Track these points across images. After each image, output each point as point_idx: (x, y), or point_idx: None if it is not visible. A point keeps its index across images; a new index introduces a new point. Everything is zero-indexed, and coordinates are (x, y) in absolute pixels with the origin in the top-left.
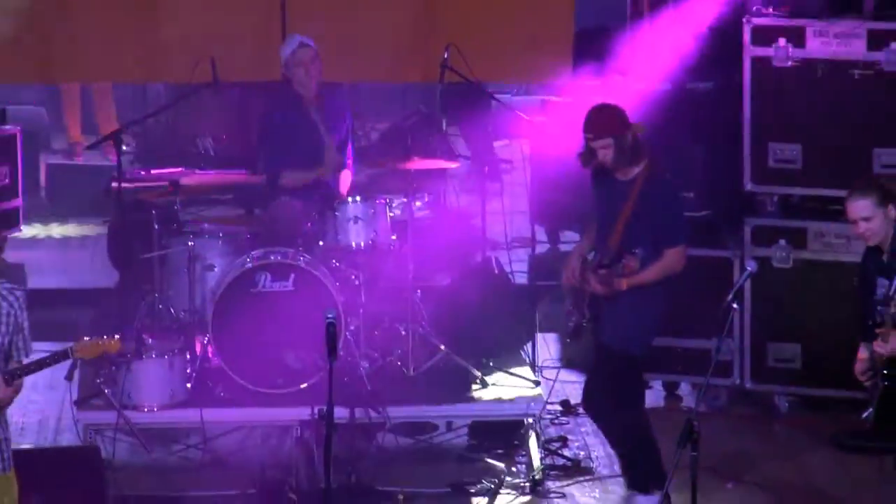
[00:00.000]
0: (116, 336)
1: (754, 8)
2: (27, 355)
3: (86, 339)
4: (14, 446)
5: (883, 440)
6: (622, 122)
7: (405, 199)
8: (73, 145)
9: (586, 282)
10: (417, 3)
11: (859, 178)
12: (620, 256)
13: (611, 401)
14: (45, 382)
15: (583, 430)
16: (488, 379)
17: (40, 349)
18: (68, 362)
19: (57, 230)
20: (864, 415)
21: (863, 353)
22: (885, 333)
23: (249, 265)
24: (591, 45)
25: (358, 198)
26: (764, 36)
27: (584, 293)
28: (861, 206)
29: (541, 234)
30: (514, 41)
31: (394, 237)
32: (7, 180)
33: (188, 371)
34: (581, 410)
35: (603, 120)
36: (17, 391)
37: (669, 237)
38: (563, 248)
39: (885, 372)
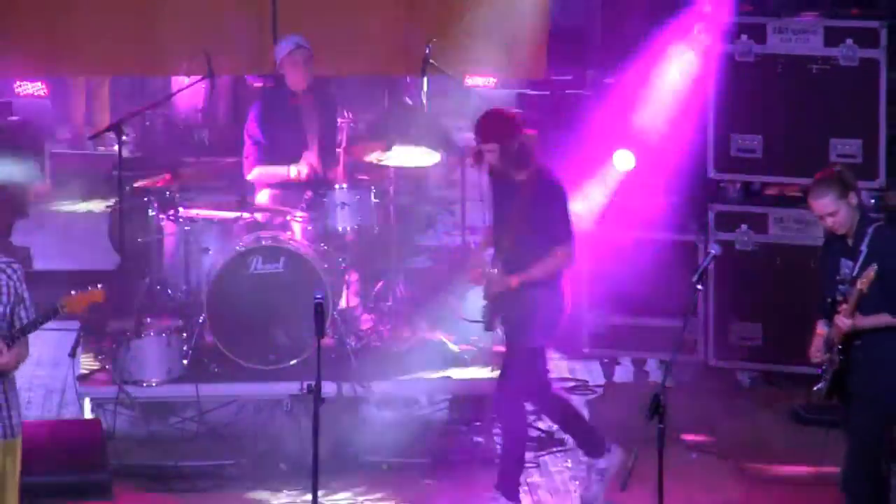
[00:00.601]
0: (99, 285)
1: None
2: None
3: (72, 292)
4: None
5: (836, 413)
6: (510, 130)
7: (389, 187)
8: (76, 135)
9: (484, 277)
10: (402, 1)
11: (817, 175)
12: (514, 254)
13: (517, 394)
14: (50, 359)
15: None
16: (467, 356)
17: (45, 328)
18: (72, 337)
19: (61, 215)
20: (816, 388)
21: (821, 329)
22: (849, 310)
23: (242, 249)
24: (565, 44)
25: (344, 185)
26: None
27: (487, 284)
28: (824, 204)
29: None
30: (492, 39)
31: (377, 223)
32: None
33: (184, 348)
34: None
35: (490, 126)
36: (19, 357)
37: (557, 237)
38: None
39: (840, 347)
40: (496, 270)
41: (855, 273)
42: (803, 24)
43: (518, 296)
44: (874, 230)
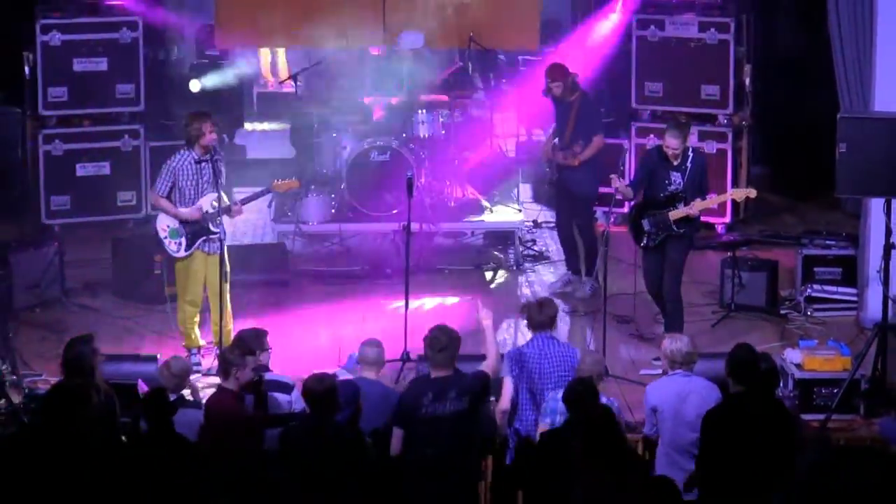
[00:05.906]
0: (294, 178)
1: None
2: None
3: (278, 181)
4: (238, 242)
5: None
6: (566, 73)
7: (449, 111)
8: (270, 81)
9: (555, 156)
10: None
11: (670, 122)
12: (571, 145)
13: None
14: (257, 208)
15: (545, 235)
16: (494, 207)
17: (252, 189)
18: (269, 196)
19: (262, 127)
20: (642, 244)
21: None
22: (693, 205)
23: (365, 147)
24: (551, 28)
25: (423, 110)
26: (643, 24)
27: (554, 161)
28: (674, 144)
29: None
30: (504, 25)
31: (443, 132)
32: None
33: (333, 202)
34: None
35: (555, 71)
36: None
37: (595, 130)
38: (535, 138)
39: (674, 222)
40: (563, 152)
41: (684, 182)
42: (686, 19)
43: (579, 169)
44: (693, 153)
